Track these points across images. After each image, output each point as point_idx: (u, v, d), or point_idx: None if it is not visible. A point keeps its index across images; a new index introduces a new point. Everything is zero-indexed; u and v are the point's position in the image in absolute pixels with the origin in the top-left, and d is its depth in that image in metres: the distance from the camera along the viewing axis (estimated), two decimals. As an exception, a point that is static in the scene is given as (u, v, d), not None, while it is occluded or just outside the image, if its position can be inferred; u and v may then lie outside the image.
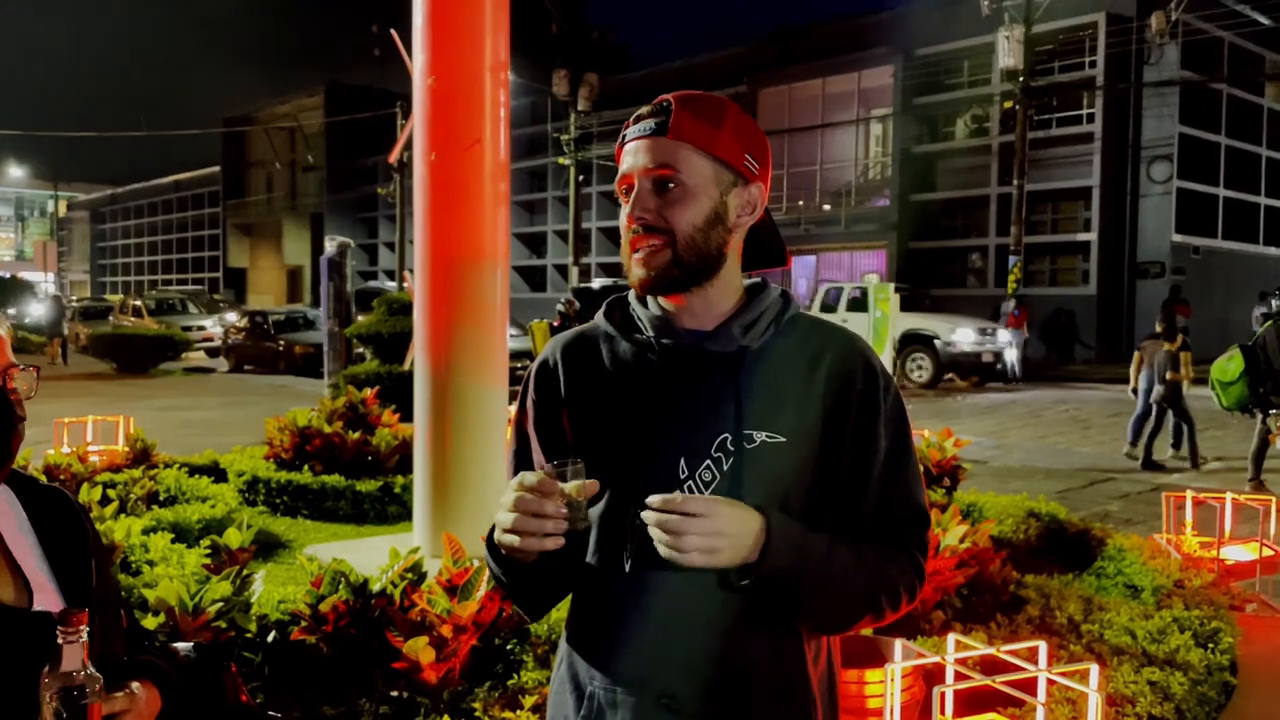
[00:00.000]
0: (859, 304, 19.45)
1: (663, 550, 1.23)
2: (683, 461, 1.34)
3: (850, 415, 1.37)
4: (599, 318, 1.48)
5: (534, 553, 1.27)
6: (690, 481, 1.34)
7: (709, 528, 1.22)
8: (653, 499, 1.24)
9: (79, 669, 1.17)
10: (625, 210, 1.39)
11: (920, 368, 18.92)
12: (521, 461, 1.50)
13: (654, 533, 1.23)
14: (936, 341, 18.74)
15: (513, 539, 1.26)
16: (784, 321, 1.42)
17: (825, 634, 1.41)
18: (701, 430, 1.34)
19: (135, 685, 1.32)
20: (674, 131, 1.35)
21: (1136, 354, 10.97)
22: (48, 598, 1.38)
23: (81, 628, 1.17)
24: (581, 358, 1.45)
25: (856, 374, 1.39)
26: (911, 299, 20.61)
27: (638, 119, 1.40)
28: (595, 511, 1.38)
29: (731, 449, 1.34)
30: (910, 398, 16.47)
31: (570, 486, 1.26)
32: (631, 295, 1.46)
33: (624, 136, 1.41)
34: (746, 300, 1.42)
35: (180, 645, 1.59)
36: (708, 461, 1.34)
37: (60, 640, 1.17)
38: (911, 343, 19.10)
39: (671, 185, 1.35)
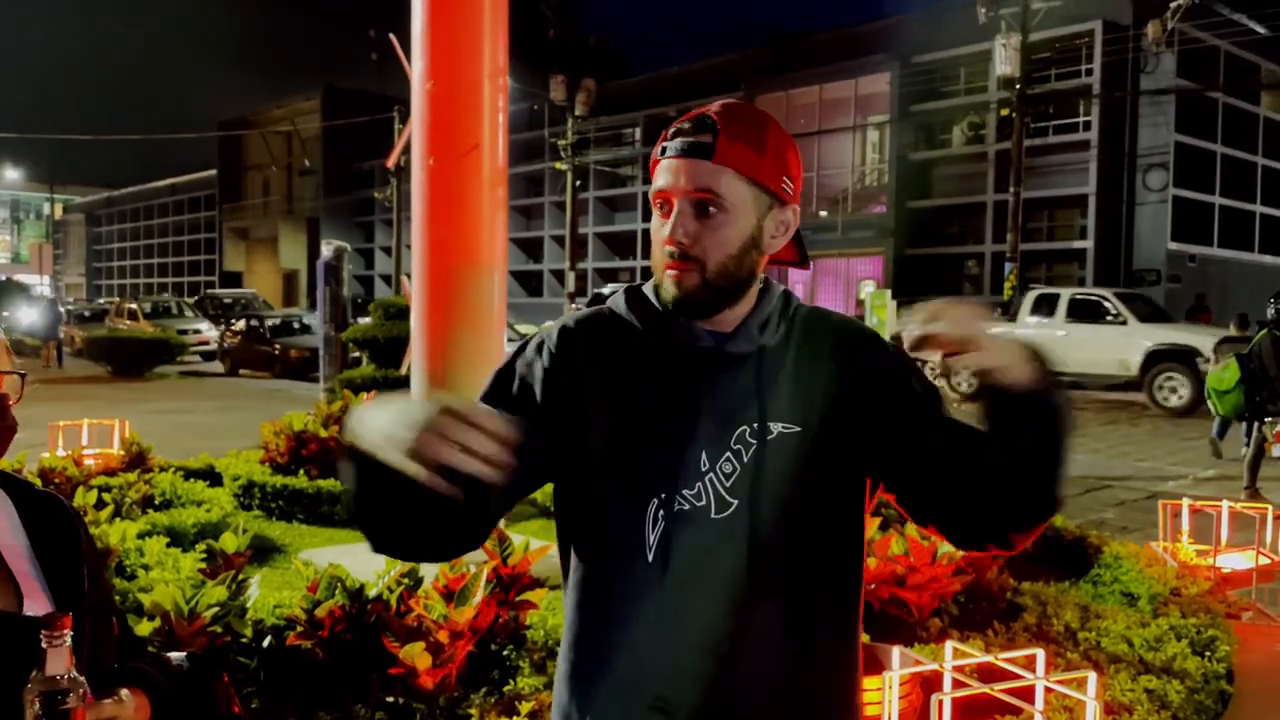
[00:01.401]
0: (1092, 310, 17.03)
1: (917, 327, 1.26)
2: (704, 454, 1.34)
3: (876, 394, 1.40)
4: (619, 304, 1.45)
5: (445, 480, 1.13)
6: (711, 474, 1.34)
7: (975, 314, 1.26)
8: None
9: (63, 673, 1.16)
10: (662, 227, 1.36)
11: (1175, 392, 15.53)
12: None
13: (915, 313, 1.26)
14: (1198, 359, 15.15)
15: (430, 455, 1.12)
16: (789, 316, 1.44)
17: (1048, 506, 1.36)
18: (721, 425, 1.35)
19: (124, 692, 1.31)
20: (719, 156, 1.33)
21: (1214, 357, 10.96)
22: (38, 603, 1.37)
23: (65, 632, 1.16)
24: (598, 338, 1.43)
25: (866, 350, 1.43)
26: (1146, 306, 17.56)
27: (679, 133, 1.36)
28: (615, 503, 1.36)
29: (751, 441, 1.35)
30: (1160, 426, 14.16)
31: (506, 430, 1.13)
32: (649, 288, 1.44)
33: (664, 149, 1.37)
34: (757, 301, 1.43)
35: (173, 655, 1.58)
36: (728, 454, 1.34)
37: (44, 644, 1.16)
38: (1162, 360, 15.80)
39: (712, 210, 1.34)
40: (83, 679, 1.19)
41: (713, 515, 1.33)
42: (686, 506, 1.33)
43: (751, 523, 1.33)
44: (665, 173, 1.36)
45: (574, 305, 21.00)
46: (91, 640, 1.39)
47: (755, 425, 1.35)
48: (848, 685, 1.43)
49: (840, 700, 1.42)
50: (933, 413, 1.39)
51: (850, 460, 1.39)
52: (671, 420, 1.35)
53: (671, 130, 1.38)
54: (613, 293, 1.48)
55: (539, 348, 1.43)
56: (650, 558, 1.34)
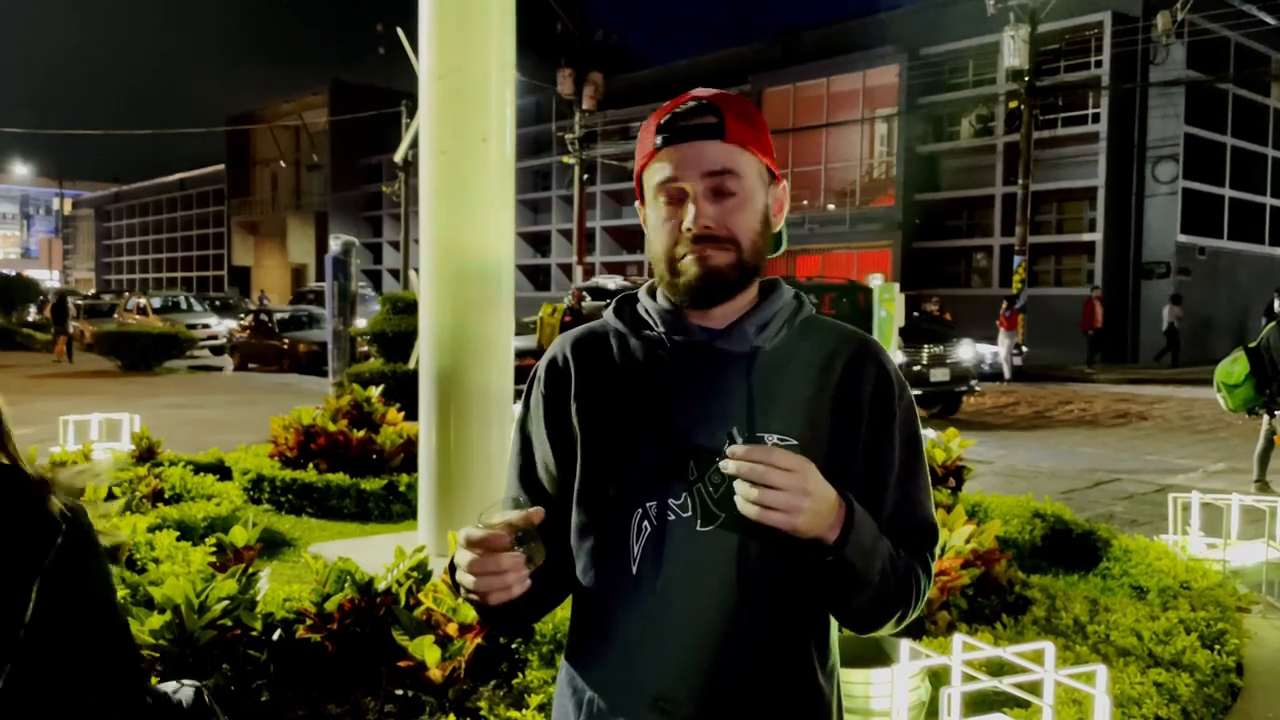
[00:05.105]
0: None
1: (742, 505, 1.19)
2: (692, 463, 1.31)
3: (863, 420, 1.35)
4: (608, 314, 1.45)
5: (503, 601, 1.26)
6: (700, 484, 1.30)
7: (797, 484, 1.18)
8: (735, 448, 1.18)
9: None
10: (670, 218, 1.32)
11: None
12: (526, 467, 1.45)
13: (738, 486, 1.19)
14: None
15: (475, 599, 1.27)
16: (797, 323, 1.39)
17: (857, 629, 1.38)
18: (712, 431, 1.30)
19: None
20: (731, 135, 1.31)
21: None
22: None
23: None
24: (592, 354, 1.42)
25: (869, 377, 1.36)
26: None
27: (677, 119, 1.32)
28: (603, 513, 1.36)
29: None
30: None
31: (515, 517, 1.23)
32: (642, 292, 1.43)
33: (664, 139, 1.32)
34: (760, 300, 1.39)
35: (169, 687, 1.40)
36: (718, 464, 1.29)
37: None
38: None
39: (734, 190, 1.31)
40: None
41: (698, 528, 1.30)
42: (672, 517, 1.30)
43: (738, 537, 1.28)
44: (671, 161, 1.32)
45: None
46: (48, 679, 1.17)
47: (746, 435, 1.29)
48: (827, 679, 1.40)
49: (828, 694, 1.39)
50: (886, 469, 1.35)
51: (841, 476, 1.29)
52: (659, 423, 1.32)
53: (663, 120, 1.33)
54: (619, 288, 1.47)
55: (534, 383, 1.46)
56: (635, 570, 1.32)
